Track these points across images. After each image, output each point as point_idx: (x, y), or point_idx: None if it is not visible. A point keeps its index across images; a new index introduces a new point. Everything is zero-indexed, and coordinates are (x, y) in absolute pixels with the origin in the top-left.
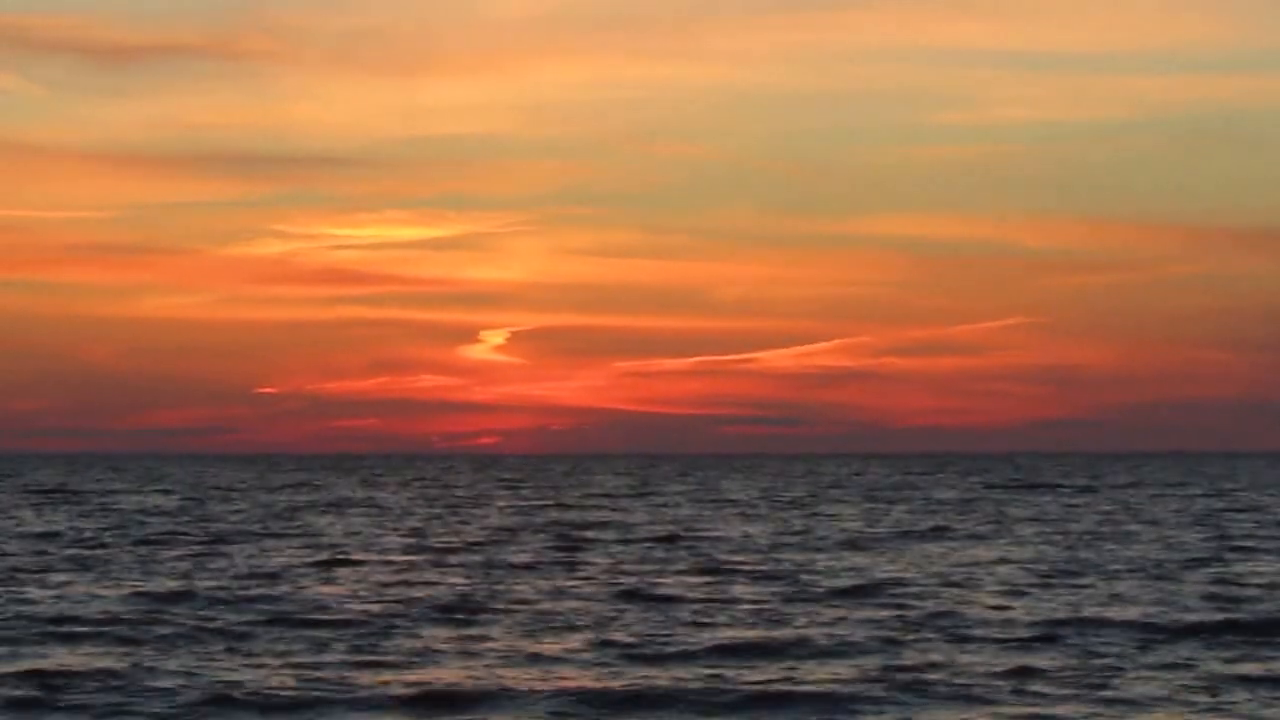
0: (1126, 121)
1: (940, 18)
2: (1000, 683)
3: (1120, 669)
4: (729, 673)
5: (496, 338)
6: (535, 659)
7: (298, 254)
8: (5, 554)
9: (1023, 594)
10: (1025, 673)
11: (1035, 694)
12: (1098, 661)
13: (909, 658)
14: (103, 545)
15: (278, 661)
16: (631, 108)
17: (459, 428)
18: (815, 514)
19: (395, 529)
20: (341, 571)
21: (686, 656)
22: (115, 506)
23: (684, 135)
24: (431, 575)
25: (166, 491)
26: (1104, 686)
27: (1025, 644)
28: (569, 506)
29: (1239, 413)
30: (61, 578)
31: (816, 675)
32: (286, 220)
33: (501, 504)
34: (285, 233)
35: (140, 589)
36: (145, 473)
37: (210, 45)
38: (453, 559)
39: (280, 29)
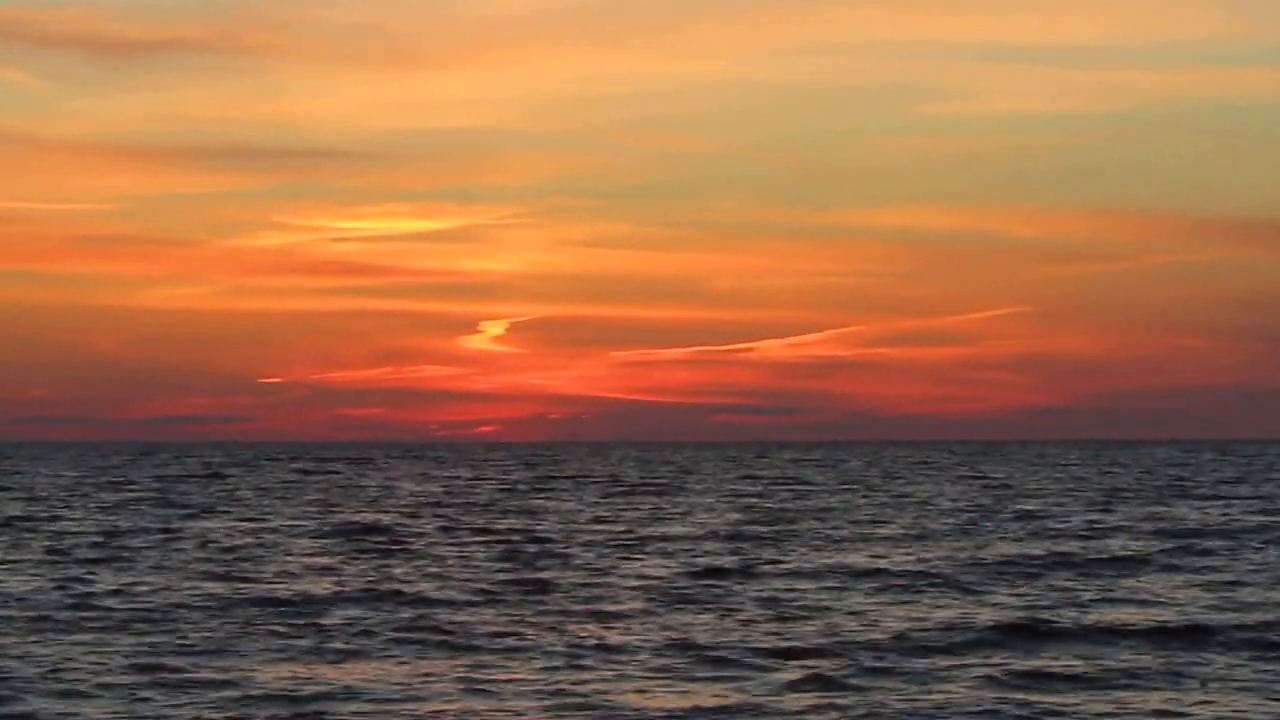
0: (1116, 114)
1: (932, 11)
2: None
3: None
4: None
5: (496, 328)
6: None
7: (300, 246)
8: None
9: None
10: None
11: None
12: None
13: None
14: None
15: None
16: (627, 101)
17: (459, 417)
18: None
19: None
20: None
21: None
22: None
23: (679, 128)
24: None
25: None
26: None
27: None
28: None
29: (1228, 400)
30: None
31: None
32: (289, 212)
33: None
34: (288, 225)
35: None
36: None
37: (212, 39)
38: None
39: (281, 23)
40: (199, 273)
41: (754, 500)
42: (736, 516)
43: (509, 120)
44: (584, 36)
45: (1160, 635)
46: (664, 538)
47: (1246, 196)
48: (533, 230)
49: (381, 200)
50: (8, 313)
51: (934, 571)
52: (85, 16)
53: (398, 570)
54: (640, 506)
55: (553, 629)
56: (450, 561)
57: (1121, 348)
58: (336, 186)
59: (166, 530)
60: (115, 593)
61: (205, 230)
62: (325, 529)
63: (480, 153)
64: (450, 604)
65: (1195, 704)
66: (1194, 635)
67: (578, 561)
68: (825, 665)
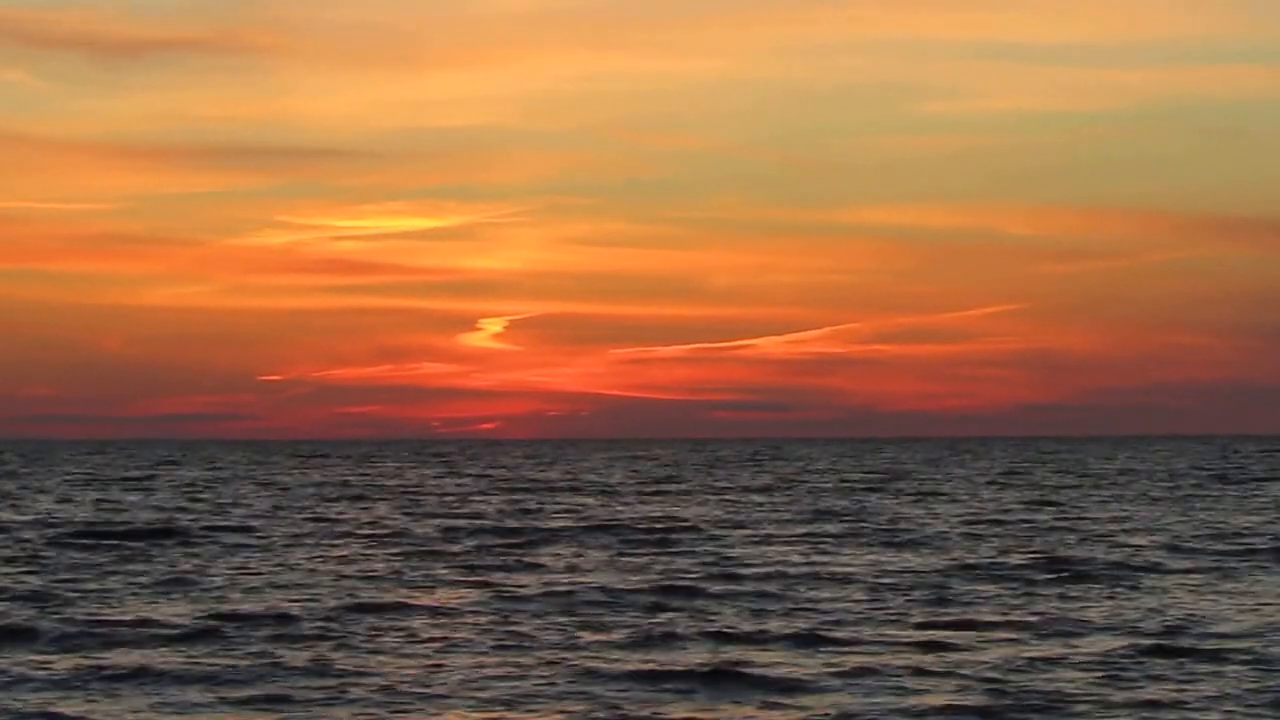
0: (1114, 112)
1: (930, 10)
2: None
3: None
4: None
5: (495, 325)
6: None
7: (301, 244)
8: None
9: None
10: None
11: None
12: None
13: None
14: None
15: None
16: (626, 99)
17: (459, 413)
18: None
19: None
20: None
21: None
22: None
23: (677, 126)
24: None
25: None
26: None
27: None
28: None
29: (1224, 396)
30: None
31: None
32: (290, 211)
33: None
34: (289, 223)
35: None
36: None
37: (213, 39)
38: None
39: (281, 23)
40: (200, 272)
41: None
42: None
43: (508, 119)
44: (584, 36)
45: None
46: None
47: (1243, 194)
48: (532, 228)
49: (381, 199)
50: (10, 312)
51: None
52: (86, 17)
53: None
54: None
55: None
56: None
57: (1118, 345)
58: (337, 185)
59: None
60: None
61: (206, 229)
62: None
63: (480, 151)
64: None
65: None
66: None
67: None
68: None
